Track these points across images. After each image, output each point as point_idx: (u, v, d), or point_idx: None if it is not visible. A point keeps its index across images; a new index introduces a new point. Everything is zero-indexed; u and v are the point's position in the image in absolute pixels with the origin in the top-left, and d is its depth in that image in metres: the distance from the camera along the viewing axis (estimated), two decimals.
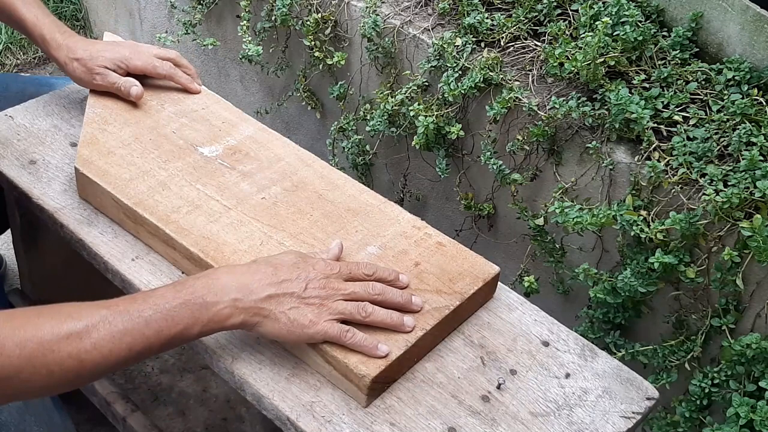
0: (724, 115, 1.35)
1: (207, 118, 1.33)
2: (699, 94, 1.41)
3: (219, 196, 1.17)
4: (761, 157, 1.26)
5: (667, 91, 1.41)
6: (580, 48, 1.45)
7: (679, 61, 1.45)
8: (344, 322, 0.97)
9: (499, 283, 1.15)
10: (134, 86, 1.32)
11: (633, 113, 1.34)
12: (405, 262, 1.10)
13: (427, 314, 1.03)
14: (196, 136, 1.28)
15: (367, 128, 1.72)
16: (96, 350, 0.88)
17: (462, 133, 1.57)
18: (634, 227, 1.32)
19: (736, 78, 1.39)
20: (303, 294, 0.95)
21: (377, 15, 1.69)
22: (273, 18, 1.89)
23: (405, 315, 1.00)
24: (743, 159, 1.27)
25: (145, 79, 1.36)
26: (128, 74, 1.34)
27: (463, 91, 1.53)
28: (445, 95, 1.55)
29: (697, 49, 1.48)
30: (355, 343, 0.96)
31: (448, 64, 1.57)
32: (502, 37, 1.58)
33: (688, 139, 1.35)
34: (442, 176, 1.65)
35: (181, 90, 1.38)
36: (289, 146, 1.29)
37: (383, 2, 1.73)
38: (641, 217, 1.33)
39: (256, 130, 1.31)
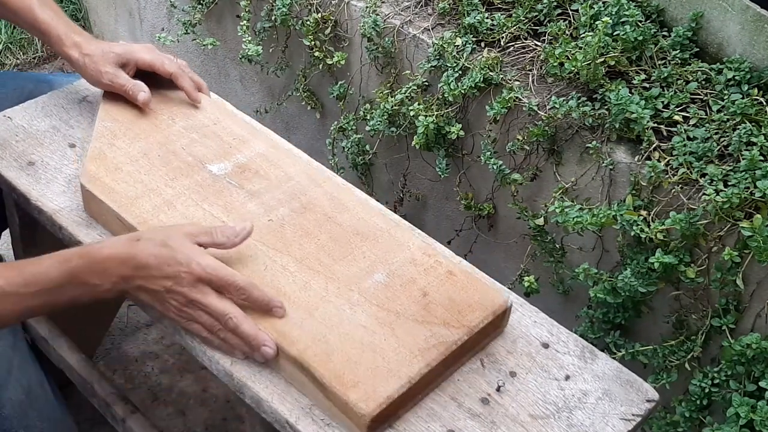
0: (724, 115, 1.35)
1: (218, 133, 1.29)
2: (699, 94, 1.41)
3: (225, 217, 1.14)
4: (761, 157, 1.26)
5: (667, 91, 1.41)
6: (580, 48, 1.45)
7: (679, 61, 1.45)
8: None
9: (498, 283, 1.15)
10: (142, 91, 1.30)
11: (633, 113, 1.34)
12: (413, 292, 1.06)
13: (433, 348, 0.99)
14: (205, 152, 1.25)
15: (367, 128, 1.71)
16: None
17: (462, 133, 1.57)
18: (634, 227, 1.32)
19: (736, 78, 1.39)
20: (165, 296, 1.00)
21: (377, 15, 1.69)
22: (273, 18, 1.88)
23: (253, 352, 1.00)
24: (743, 159, 1.27)
25: (156, 90, 1.34)
26: (137, 72, 1.33)
27: (463, 91, 1.53)
28: (445, 95, 1.55)
29: (697, 49, 1.47)
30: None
31: (448, 64, 1.57)
32: (502, 37, 1.58)
33: (688, 139, 1.35)
34: (442, 176, 1.65)
35: (193, 103, 1.35)
36: (300, 164, 1.25)
37: (383, 2, 1.72)
38: (641, 217, 1.33)
39: (267, 147, 1.27)
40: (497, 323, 1.07)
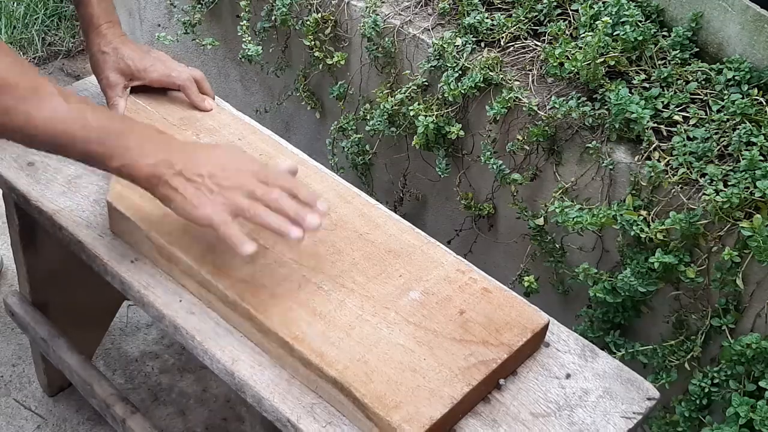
0: (724, 115, 1.35)
1: (244, 150, 1.25)
2: (699, 94, 1.41)
3: (256, 235, 1.10)
4: (761, 157, 1.26)
5: (667, 91, 1.41)
6: (580, 48, 1.45)
7: (679, 61, 1.45)
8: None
9: (498, 283, 1.15)
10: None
11: (633, 113, 1.34)
12: (449, 310, 1.05)
13: (473, 368, 0.98)
14: None
15: (367, 128, 1.72)
16: (26, 115, 0.94)
17: (462, 133, 1.57)
18: (634, 227, 1.32)
19: (736, 78, 1.39)
20: (206, 182, 0.99)
21: (377, 15, 1.69)
22: (273, 18, 1.89)
23: (293, 226, 0.99)
24: (743, 159, 1.27)
25: (180, 107, 1.33)
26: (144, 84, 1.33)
27: (463, 91, 1.53)
28: (445, 95, 1.55)
29: (697, 49, 1.48)
30: (229, 234, 0.99)
31: (448, 64, 1.57)
32: (502, 37, 1.58)
33: (688, 139, 1.35)
34: (442, 176, 1.65)
35: (217, 120, 1.33)
36: (328, 181, 1.24)
37: (383, 2, 1.73)
38: (641, 217, 1.33)
39: (294, 164, 1.25)
40: (535, 342, 1.05)
